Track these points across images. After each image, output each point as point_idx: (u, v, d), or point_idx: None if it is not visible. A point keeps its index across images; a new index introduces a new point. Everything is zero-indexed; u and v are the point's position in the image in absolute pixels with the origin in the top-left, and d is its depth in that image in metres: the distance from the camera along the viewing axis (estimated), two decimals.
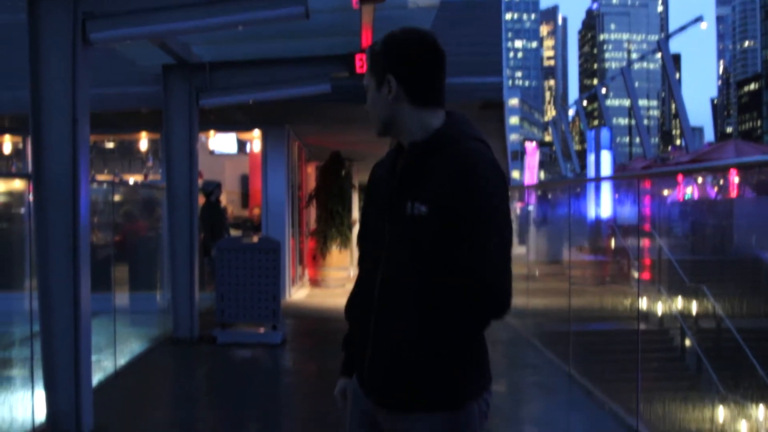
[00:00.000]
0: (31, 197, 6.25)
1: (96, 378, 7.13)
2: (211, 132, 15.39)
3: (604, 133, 27.40)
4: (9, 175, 10.25)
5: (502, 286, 2.34)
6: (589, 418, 6.95)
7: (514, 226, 14.99)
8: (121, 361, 8.72)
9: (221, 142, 16.28)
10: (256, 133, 15.06)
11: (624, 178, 11.52)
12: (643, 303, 9.41)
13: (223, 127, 14.89)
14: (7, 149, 15.35)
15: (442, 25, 10.95)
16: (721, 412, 7.25)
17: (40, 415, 6.18)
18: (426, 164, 2.43)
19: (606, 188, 11.39)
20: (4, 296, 8.31)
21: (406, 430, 2.47)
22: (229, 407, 7.34)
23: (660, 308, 9.94)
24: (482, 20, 11.92)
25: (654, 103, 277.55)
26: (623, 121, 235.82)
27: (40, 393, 6.17)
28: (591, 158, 27.89)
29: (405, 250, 2.42)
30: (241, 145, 16.87)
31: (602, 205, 10.00)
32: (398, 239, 2.45)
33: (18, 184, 8.11)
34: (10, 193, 8.59)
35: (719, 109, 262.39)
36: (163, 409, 7.53)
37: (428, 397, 2.42)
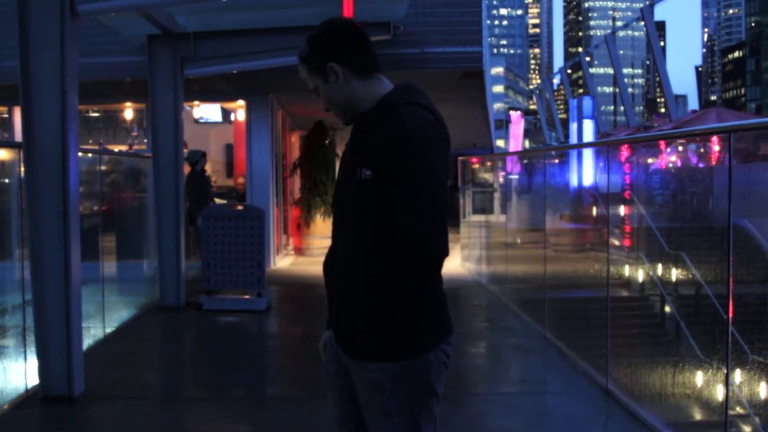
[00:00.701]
0: (21, 167, 6.39)
1: (86, 344, 7.31)
2: (196, 102, 15.48)
3: (587, 102, 27.63)
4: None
5: (431, 239, 2.53)
6: (562, 376, 7.20)
7: (496, 194, 15.26)
8: (110, 327, 8.90)
9: (206, 111, 16.37)
10: (241, 102, 15.16)
11: (587, 146, 11.73)
12: (625, 270, 9.67)
13: (207, 96, 14.97)
14: None
15: None
16: (700, 377, 7.50)
17: (33, 380, 6.39)
18: (370, 131, 2.67)
19: (588, 156, 11.59)
20: None
21: (367, 377, 2.72)
22: (215, 371, 7.57)
23: (640, 275, 10.18)
24: None
25: (639, 71, 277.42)
26: (609, 89, 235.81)
27: (32, 359, 6.37)
28: (573, 127, 28.13)
29: (355, 213, 2.68)
30: (226, 114, 16.96)
31: (582, 172, 10.20)
32: (350, 203, 2.71)
33: (2, 154, 8.20)
34: None
35: (704, 77, 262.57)
36: (151, 372, 7.74)
37: (383, 347, 2.67)
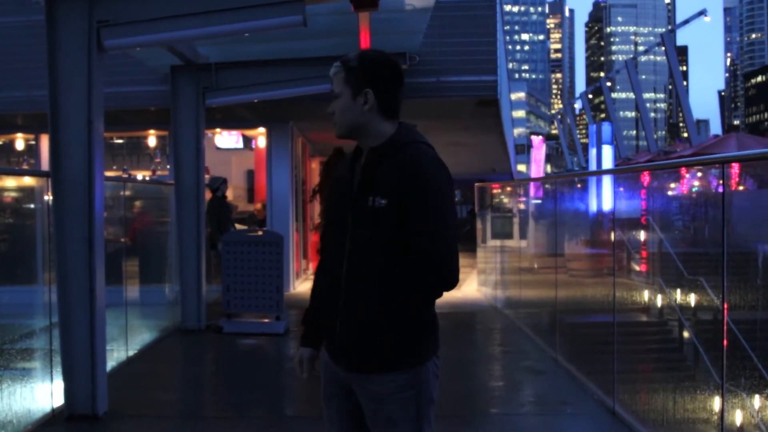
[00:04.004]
0: (48, 194, 6.64)
1: (109, 365, 7.52)
2: (217, 129, 15.77)
3: (606, 128, 27.69)
4: (28, 172, 10.63)
5: (452, 264, 2.82)
6: (571, 398, 7.33)
7: (515, 219, 15.41)
8: (133, 350, 9.13)
9: (227, 139, 16.67)
10: (261, 129, 15.43)
11: (588, 175, 11.86)
12: (638, 295, 9.77)
13: (228, 124, 15.26)
14: (20, 146, 15.80)
15: (437, 26, 11.34)
16: (717, 401, 7.56)
17: (59, 400, 6.62)
18: (382, 165, 2.91)
19: (606, 182, 11.71)
20: (21, 290, 8.69)
21: (373, 390, 2.94)
22: (234, 391, 7.76)
23: (651, 299, 10.25)
24: (477, 20, 12.26)
25: (661, 95, 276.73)
26: (631, 114, 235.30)
27: (58, 379, 6.61)
28: (593, 153, 28.21)
29: (367, 237, 2.89)
30: (247, 140, 17.23)
31: (592, 199, 10.35)
32: (361, 228, 2.91)
33: (28, 181, 8.46)
34: (23, 189, 8.95)
35: (726, 102, 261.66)
36: (172, 392, 7.96)
37: (392, 359, 2.90)
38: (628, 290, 8.37)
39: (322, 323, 3.08)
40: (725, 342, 4.46)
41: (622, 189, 7.74)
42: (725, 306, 4.53)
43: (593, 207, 9.51)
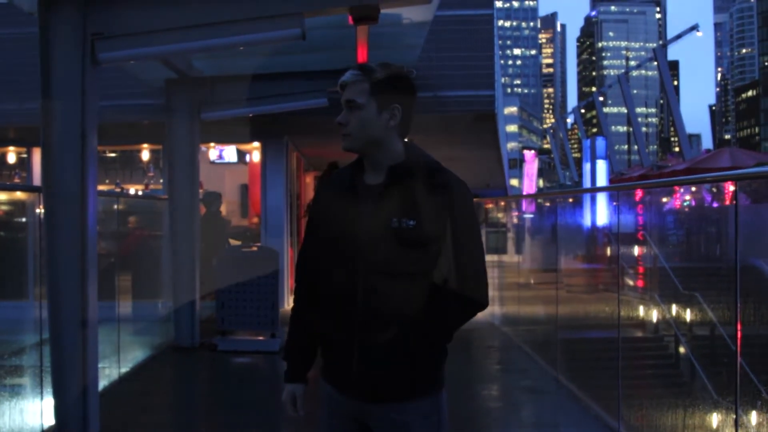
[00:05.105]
0: (39, 209, 6.51)
1: (101, 384, 7.36)
2: (212, 144, 15.64)
3: (600, 143, 27.76)
4: (20, 188, 10.50)
5: (486, 283, 2.78)
6: (574, 420, 7.21)
7: (509, 234, 15.33)
8: (125, 367, 8.96)
9: (222, 154, 16.54)
10: (256, 144, 15.31)
11: (579, 192, 11.81)
12: (639, 311, 9.68)
13: (223, 138, 15.13)
14: (11, 159, 15.64)
15: (434, 40, 11.26)
16: (715, 418, 7.46)
17: (49, 420, 6.45)
18: (403, 185, 2.76)
19: (601, 198, 11.65)
20: (11, 305, 8.55)
21: (397, 419, 2.79)
22: (228, 411, 7.61)
23: (653, 315, 10.16)
24: (474, 35, 12.20)
25: (653, 110, 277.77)
26: (622, 129, 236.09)
27: (48, 398, 6.44)
28: (587, 167, 28.23)
29: (392, 260, 2.72)
30: (241, 155, 17.10)
31: (587, 216, 10.28)
32: (381, 250, 2.73)
33: (20, 195, 8.32)
34: (13, 203, 8.82)
35: (717, 116, 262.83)
36: (166, 412, 7.80)
37: (418, 386, 2.78)
38: (632, 306, 8.26)
39: (330, 355, 2.89)
40: (738, 356, 4.32)
41: (632, 206, 7.64)
42: (738, 325, 4.40)
43: (598, 222, 9.43)
